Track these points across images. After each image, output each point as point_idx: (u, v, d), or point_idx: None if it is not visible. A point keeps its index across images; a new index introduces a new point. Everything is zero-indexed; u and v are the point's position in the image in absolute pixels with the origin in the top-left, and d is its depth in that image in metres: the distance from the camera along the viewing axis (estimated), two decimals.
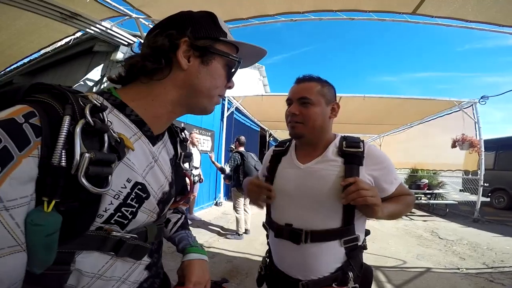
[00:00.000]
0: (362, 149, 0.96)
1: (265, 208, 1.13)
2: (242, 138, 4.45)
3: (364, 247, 1.00)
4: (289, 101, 1.03)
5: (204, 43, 0.57)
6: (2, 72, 4.99)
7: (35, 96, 0.42)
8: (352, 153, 0.96)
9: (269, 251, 1.11)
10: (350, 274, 0.90)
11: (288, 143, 1.15)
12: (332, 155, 0.99)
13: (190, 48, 0.56)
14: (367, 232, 1.05)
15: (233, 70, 0.63)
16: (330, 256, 0.92)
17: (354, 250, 0.94)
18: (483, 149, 6.26)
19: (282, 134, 14.46)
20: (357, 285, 0.91)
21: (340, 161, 0.96)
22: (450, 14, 3.08)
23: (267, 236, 1.12)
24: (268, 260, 1.10)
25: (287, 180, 1.03)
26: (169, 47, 0.54)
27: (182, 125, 5.06)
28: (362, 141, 1.00)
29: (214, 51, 0.58)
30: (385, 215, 0.89)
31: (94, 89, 4.20)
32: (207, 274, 0.74)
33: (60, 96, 0.43)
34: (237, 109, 8.00)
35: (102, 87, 4.14)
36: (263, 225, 1.13)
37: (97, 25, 3.35)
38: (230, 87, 0.66)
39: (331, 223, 0.92)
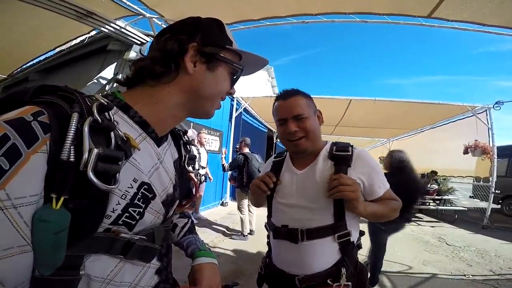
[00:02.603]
0: (350, 153, 1.03)
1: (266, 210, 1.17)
2: (247, 139, 4.45)
3: (359, 245, 1.05)
4: (283, 121, 1.06)
5: (211, 50, 0.58)
6: (19, 69, 5.13)
7: (42, 97, 0.43)
8: (341, 156, 1.03)
9: (268, 252, 1.16)
10: (343, 270, 0.95)
11: (285, 153, 1.20)
12: (323, 159, 1.05)
13: (197, 54, 0.57)
14: (362, 233, 1.10)
15: (235, 77, 0.65)
16: (325, 252, 0.97)
17: (348, 246, 0.99)
18: (495, 156, 6.14)
19: None
20: (349, 283, 0.95)
21: (331, 163, 1.03)
22: (467, 18, 3.02)
23: (268, 236, 1.18)
24: (267, 260, 1.14)
25: (286, 186, 1.09)
26: (178, 52, 0.56)
27: (192, 124, 5.11)
28: (351, 146, 1.07)
29: (220, 58, 0.60)
30: (367, 213, 0.97)
31: (107, 87, 4.29)
32: (217, 278, 0.75)
33: (66, 96, 0.44)
34: (245, 109, 8.04)
35: (115, 85, 4.22)
36: (265, 226, 1.19)
37: (112, 24, 3.42)
38: (231, 94, 0.67)
39: (324, 220, 0.98)
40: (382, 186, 1.04)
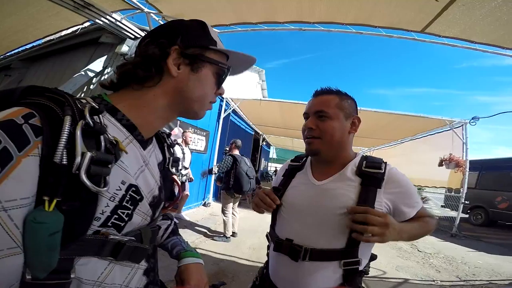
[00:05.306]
0: (382, 171, 0.91)
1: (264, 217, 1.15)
2: (239, 141, 4.38)
3: (365, 272, 0.93)
4: (306, 115, 1.00)
5: (194, 52, 0.58)
6: (2, 56, 4.88)
7: (31, 99, 0.42)
8: (371, 174, 0.90)
9: (267, 263, 1.09)
10: None
11: (304, 158, 1.11)
12: (350, 174, 0.93)
13: (180, 56, 0.57)
14: (373, 257, 0.99)
15: (222, 77, 0.64)
16: (325, 276, 0.87)
17: (352, 274, 0.87)
18: (467, 169, 6.46)
19: (276, 139, 14.57)
20: None
21: (357, 181, 0.91)
22: (457, 34, 3.12)
23: (268, 247, 1.10)
24: (264, 271, 1.08)
25: (298, 196, 0.99)
26: (160, 56, 0.56)
27: (178, 123, 5.01)
28: (385, 163, 0.95)
29: (203, 59, 0.59)
30: (403, 239, 0.88)
31: (95, 80, 4.21)
32: (204, 277, 0.75)
33: (56, 98, 0.43)
34: (233, 111, 8.01)
35: (102, 78, 4.13)
36: (266, 236, 1.10)
37: (107, 16, 3.34)
38: (220, 94, 0.67)
39: (334, 243, 0.87)
40: (416, 205, 0.92)
